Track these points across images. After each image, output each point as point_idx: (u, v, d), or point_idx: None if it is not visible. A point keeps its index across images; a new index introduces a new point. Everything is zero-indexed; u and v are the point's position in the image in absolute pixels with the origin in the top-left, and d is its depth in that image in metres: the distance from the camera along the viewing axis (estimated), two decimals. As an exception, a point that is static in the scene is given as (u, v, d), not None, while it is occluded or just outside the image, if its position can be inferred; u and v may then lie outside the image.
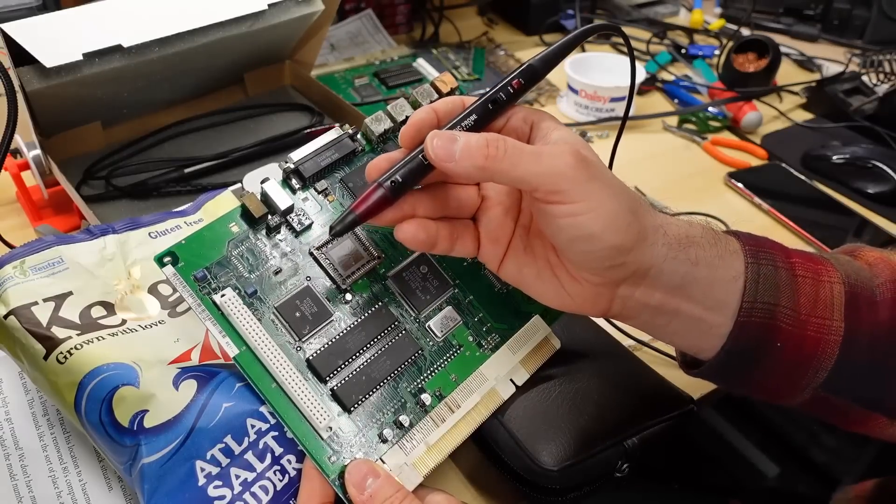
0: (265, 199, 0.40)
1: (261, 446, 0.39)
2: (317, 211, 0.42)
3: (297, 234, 0.41)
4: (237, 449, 0.38)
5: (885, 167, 0.74)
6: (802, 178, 0.77)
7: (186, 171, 0.64)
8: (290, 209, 0.41)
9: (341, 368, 0.39)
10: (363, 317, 0.40)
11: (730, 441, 1.07)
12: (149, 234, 0.48)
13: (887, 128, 0.82)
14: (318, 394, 0.38)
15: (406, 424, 0.39)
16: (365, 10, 1.00)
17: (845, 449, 0.62)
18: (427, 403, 0.40)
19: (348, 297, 0.41)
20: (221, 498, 0.37)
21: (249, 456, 0.38)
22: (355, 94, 0.86)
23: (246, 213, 0.40)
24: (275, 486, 0.38)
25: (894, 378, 0.38)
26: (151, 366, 0.40)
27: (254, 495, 0.37)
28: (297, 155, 0.42)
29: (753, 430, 1.05)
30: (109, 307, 0.43)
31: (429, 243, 0.38)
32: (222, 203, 0.51)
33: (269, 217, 0.40)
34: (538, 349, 0.44)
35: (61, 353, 0.39)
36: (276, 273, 0.40)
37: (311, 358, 0.38)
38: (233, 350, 0.37)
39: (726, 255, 0.37)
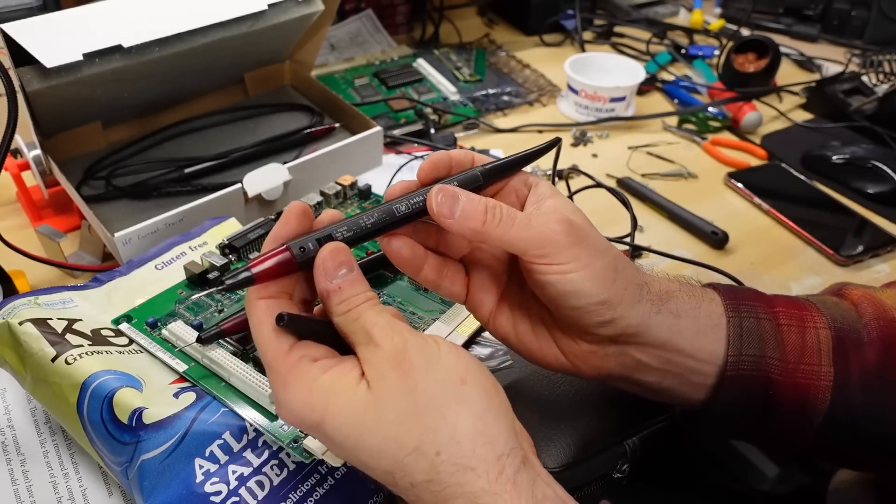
0: (208, 261, 0.48)
1: (260, 444, 0.39)
2: None
3: None
4: (236, 446, 0.38)
5: (884, 167, 0.74)
6: (802, 178, 0.77)
7: (186, 171, 0.64)
8: (227, 265, 0.49)
9: None
10: None
11: (730, 441, 1.07)
12: (155, 266, 0.50)
13: (887, 128, 0.82)
14: (264, 381, 0.40)
15: None
16: (365, 10, 1.00)
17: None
18: None
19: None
20: (217, 494, 0.37)
21: (248, 453, 0.38)
22: (355, 94, 0.86)
23: (190, 276, 0.48)
24: (272, 482, 0.38)
25: (892, 417, 0.38)
26: (153, 382, 0.41)
27: (250, 490, 0.37)
28: (230, 233, 0.52)
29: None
30: (118, 332, 0.45)
31: (413, 265, 0.38)
32: (226, 228, 0.54)
33: (209, 274, 0.48)
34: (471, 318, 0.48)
35: (71, 355, 0.40)
36: (220, 312, 0.47)
37: (254, 354, 0.42)
38: (181, 367, 0.42)
39: (705, 305, 0.38)
